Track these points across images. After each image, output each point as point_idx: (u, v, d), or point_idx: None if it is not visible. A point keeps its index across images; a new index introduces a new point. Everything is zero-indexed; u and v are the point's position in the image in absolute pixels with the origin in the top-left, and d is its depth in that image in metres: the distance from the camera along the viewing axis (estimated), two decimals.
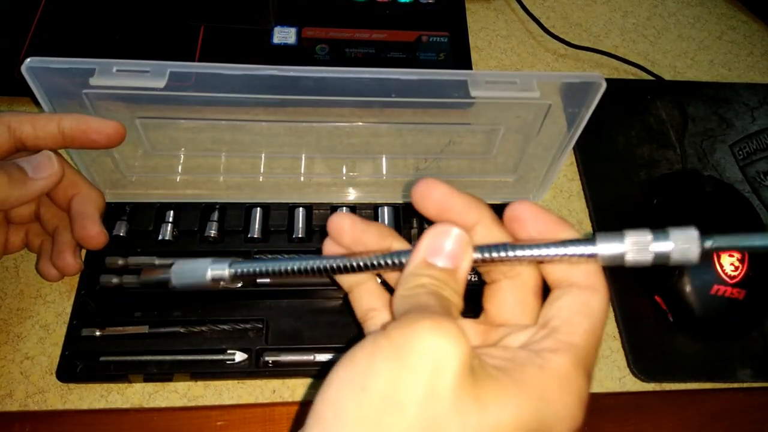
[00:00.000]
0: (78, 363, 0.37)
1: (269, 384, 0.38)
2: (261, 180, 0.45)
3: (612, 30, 0.60)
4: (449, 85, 0.36)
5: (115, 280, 0.39)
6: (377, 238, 0.26)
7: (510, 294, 0.25)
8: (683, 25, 0.62)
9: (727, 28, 0.62)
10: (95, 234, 0.36)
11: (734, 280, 0.40)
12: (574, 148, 0.51)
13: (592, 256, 0.23)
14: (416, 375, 0.19)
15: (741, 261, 0.41)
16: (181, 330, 0.38)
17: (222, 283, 0.26)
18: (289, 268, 0.26)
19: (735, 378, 0.41)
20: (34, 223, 0.39)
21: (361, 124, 0.42)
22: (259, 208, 0.43)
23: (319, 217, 0.43)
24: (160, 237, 0.41)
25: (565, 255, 0.23)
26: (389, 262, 0.25)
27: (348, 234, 0.27)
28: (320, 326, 0.40)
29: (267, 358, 0.38)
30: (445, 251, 0.23)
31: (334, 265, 0.25)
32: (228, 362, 0.37)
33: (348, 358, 0.20)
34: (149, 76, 0.34)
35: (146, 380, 0.37)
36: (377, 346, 0.20)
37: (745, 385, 0.41)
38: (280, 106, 0.39)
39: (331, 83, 0.35)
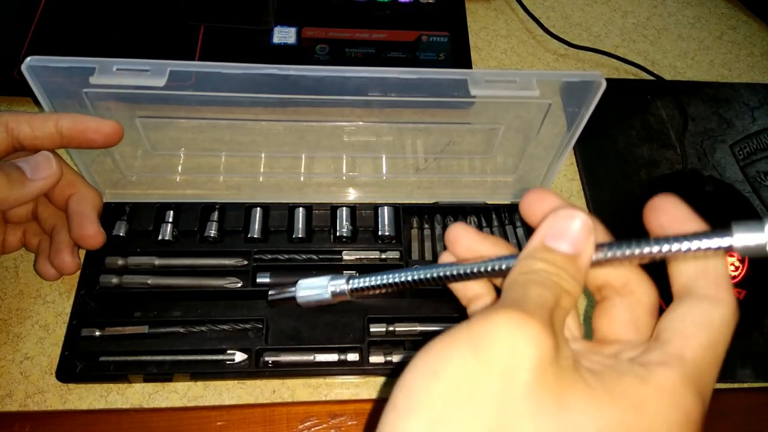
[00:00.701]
0: (78, 363, 0.37)
1: (269, 384, 0.38)
2: (261, 180, 0.45)
3: (612, 30, 0.60)
4: (449, 84, 0.36)
5: (114, 280, 0.39)
6: (492, 247, 0.26)
7: (623, 311, 0.23)
8: (683, 25, 0.62)
9: (728, 28, 0.62)
10: (93, 233, 0.36)
11: (734, 281, 0.40)
12: (574, 148, 0.51)
13: (727, 249, 0.20)
14: (490, 370, 0.18)
15: (741, 261, 0.41)
16: (181, 330, 0.38)
17: (342, 297, 0.27)
18: (405, 279, 0.25)
19: (735, 378, 0.41)
20: (32, 223, 0.39)
21: (361, 123, 0.42)
22: (258, 208, 0.43)
23: (318, 217, 0.43)
24: (159, 237, 0.41)
25: (695, 249, 0.20)
26: (503, 267, 0.24)
27: (463, 244, 0.26)
28: (320, 326, 0.40)
29: (267, 359, 0.38)
30: (566, 235, 0.22)
31: (448, 274, 0.25)
32: (228, 362, 0.37)
33: (428, 346, 0.20)
34: (149, 74, 0.34)
35: (146, 380, 0.37)
36: (456, 335, 0.19)
37: (746, 385, 0.41)
38: (279, 105, 0.39)
39: (331, 82, 0.35)
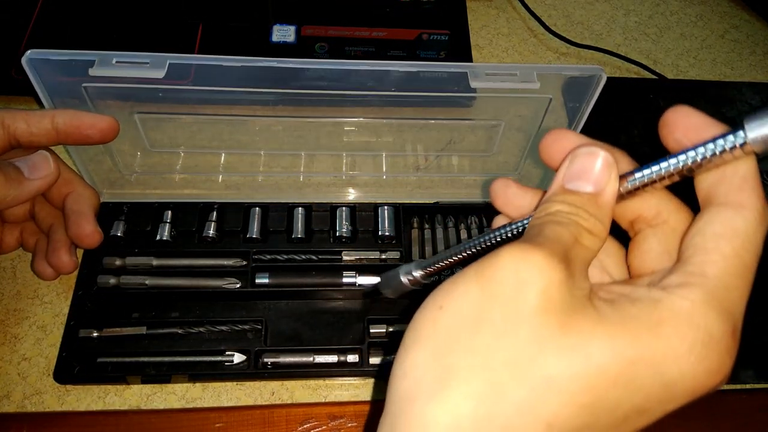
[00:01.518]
0: (75, 364, 0.37)
1: (268, 385, 0.38)
2: (260, 180, 0.45)
3: (614, 28, 0.60)
4: (449, 78, 0.36)
5: (112, 280, 0.39)
6: (534, 198, 0.24)
7: (655, 242, 0.22)
8: (685, 24, 0.61)
9: (730, 26, 0.62)
10: (90, 232, 0.36)
11: None
12: None
13: (741, 146, 0.18)
14: (494, 299, 0.18)
15: None
16: (179, 331, 0.38)
17: (418, 282, 0.27)
18: (464, 251, 0.25)
19: (737, 379, 0.41)
20: (29, 222, 0.38)
21: (362, 119, 0.41)
22: (257, 208, 0.43)
23: (318, 217, 0.43)
24: (158, 237, 0.41)
25: (710, 155, 0.19)
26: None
27: (500, 198, 0.25)
28: (319, 327, 0.40)
29: (266, 360, 0.37)
30: (586, 174, 0.21)
31: (495, 239, 0.24)
32: (226, 363, 0.37)
33: (438, 286, 0.20)
34: (148, 67, 0.34)
35: (144, 382, 0.37)
36: (464, 273, 0.20)
37: (748, 386, 0.41)
38: (279, 102, 0.39)
39: (331, 75, 0.35)
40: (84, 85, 0.35)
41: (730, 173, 0.19)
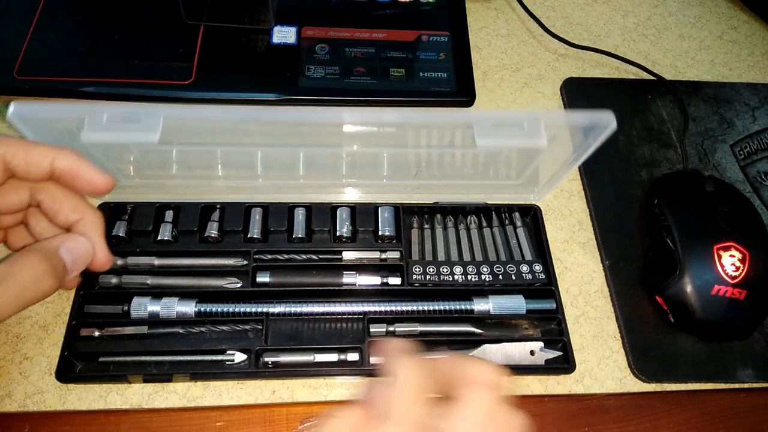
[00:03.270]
0: (77, 363, 0.37)
1: (269, 385, 0.38)
2: (260, 180, 0.45)
3: (612, 29, 0.60)
4: (454, 125, 0.37)
5: (114, 280, 0.39)
6: None
7: None
8: (684, 25, 0.62)
9: (728, 27, 0.62)
10: (105, 260, 0.35)
11: (735, 281, 0.40)
12: None
13: None
14: None
15: (742, 261, 0.41)
16: (181, 330, 0.38)
17: None
18: None
19: (736, 378, 0.41)
20: (18, 228, 0.37)
21: (356, 148, 0.42)
22: (258, 208, 0.43)
23: (318, 217, 0.43)
24: (159, 237, 0.41)
25: None
26: None
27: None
28: (320, 327, 0.40)
29: (266, 359, 0.38)
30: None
31: None
32: (227, 363, 0.37)
33: None
34: (142, 126, 0.34)
35: (145, 381, 0.37)
36: None
37: (746, 385, 0.41)
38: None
39: (328, 120, 0.36)
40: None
41: None
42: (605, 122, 0.35)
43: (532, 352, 0.39)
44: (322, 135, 0.40)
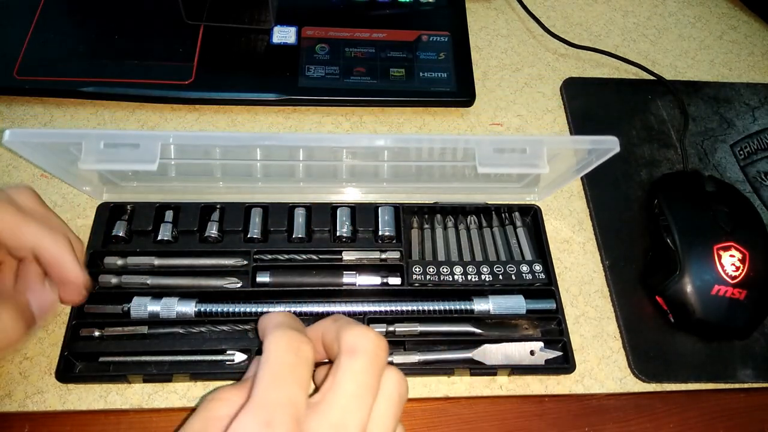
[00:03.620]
0: (77, 363, 0.37)
1: None
2: (260, 180, 0.45)
3: (612, 29, 0.60)
4: (455, 149, 0.37)
5: (114, 280, 0.39)
6: None
7: None
8: (684, 25, 0.62)
9: (728, 27, 0.62)
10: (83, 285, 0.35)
11: (735, 280, 0.40)
12: None
13: None
14: None
15: (742, 261, 0.41)
16: (181, 330, 0.38)
17: None
18: None
19: (736, 378, 0.41)
20: None
21: (356, 162, 0.42)
22: (258, 208, 0.43)
23: (318, 217, 0.43)
24: (159, 237, 0.41)
25: None
26: None
27: None
28: None
29: None
30: None
31: None
32: (228, 363, 0.37)
33: None
34: (139, 154, 0.34)
35: (145, 381, 0.37)
36: None
37: (746, 385, 0.41)
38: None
39: (326, 145, 0.37)
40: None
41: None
42: (609, 145, 0.36)
43: (532, 352, 0.39)
44: (321, 153, 0.40)
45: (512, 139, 0.38)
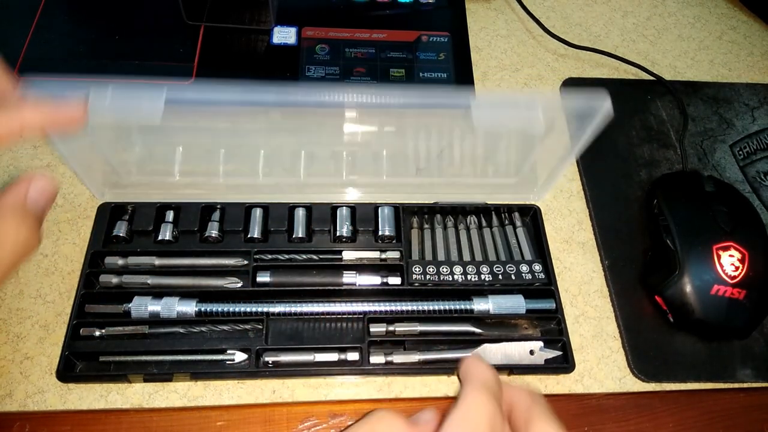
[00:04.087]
0: (78, 363, 0.37)
1: (269, 384, 0.38)
2: (261, 180, 0.45)
3: (612, 30, 0.60)
4: (451, 107, 0.37)
5: (114, 280, 0.39)
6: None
7: None
8: (683, 25, 0.62)
9: (727, 28, 0.62)
10: (78, 116, 0.32)
11: (734, 280, 0.40)
12: None
13: None
14: None
15: (741, 261, 0.41)
16: (181, 330, 0.38)
17: None
18: None
19: (735, 378, 0.41)
20: None
21: (360, 127, 0.42)
22: (259, 208, 0.43)
23: (318, 217, 0.43)
24: (160, 237, 0.41)
25: None
26: None
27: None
28: (320, 326, 0.40)
29: (267, 359, 0.38)
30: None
31: None
32: (228, 362, 0.37)
33: None
34: (145, 104, 0.33)
35: (146, 380, 0.37)
36: None
37: (745, 385, 0.41)
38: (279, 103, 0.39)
39: (330, 101, 0.35)
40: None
41: None
42: (599, 102, 0.36)
43: (531, 352, 0.39)
44: (324, 117, 0.40)
45: (506, 95, 0.37)
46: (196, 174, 0.44)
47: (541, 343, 0.39)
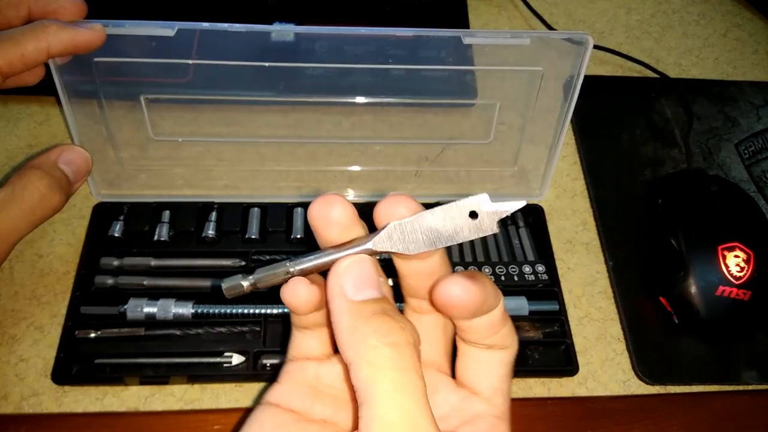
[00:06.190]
0: (73, 365, 0.37)
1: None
2: (259, 180, 0.45)
3: (616, 27, 0.59)
4: (444, 42, 0.39)
5: (110, 281, 0.39)
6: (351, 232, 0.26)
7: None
8: (688, 23, 0.61)
9: (732, 25, 0.61)
10: (96, 37, 0.35)
11: (740, 281, 0.40)
12: (577, 147, 0.51)
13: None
14: None
15: (746, 262, 0.40)
16: (178, 332, 0.38)
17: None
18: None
19: (740, 380, 0.40)
20: None
21: (363, 99, 0.42)
22: (256, 208, 0.43)
23: None
24: (156, 237, 0.41)
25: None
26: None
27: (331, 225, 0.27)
28: None
29: (265, 361, 0.37)
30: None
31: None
32: (225, 365, 0.37)
33: None
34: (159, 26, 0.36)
35: (142, 383, 0.37)
36: None
37: (751, 387, 0.41)
38: (280, 91, 0.39)
39: (329, 42, 0.37)
40: (96, 59, 0.36)
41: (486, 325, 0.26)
42: (580, 37, 0.37)
43: (473, 215, 0.25)
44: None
45: (495, 31, 0.39)
46: (197, 164, 0.44)
47: (485, 195, 0.25)
